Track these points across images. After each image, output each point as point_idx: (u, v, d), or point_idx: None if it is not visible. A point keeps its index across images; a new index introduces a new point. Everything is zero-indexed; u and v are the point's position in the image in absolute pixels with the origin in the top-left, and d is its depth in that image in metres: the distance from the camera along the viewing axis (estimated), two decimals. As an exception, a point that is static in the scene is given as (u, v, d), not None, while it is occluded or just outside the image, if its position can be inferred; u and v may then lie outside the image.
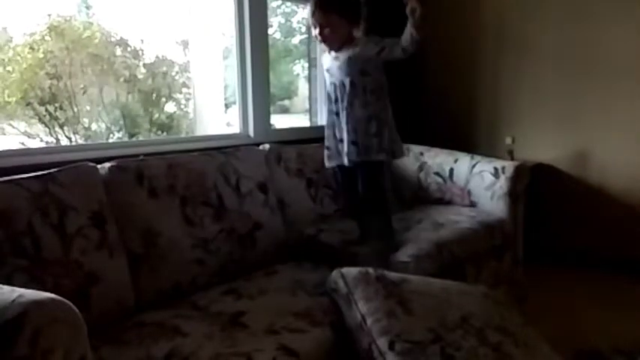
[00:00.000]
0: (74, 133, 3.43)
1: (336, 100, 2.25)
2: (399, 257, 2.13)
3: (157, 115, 3.87)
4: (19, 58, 3.24)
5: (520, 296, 2.64)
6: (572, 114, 3.34)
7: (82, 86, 3.40)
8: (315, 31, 2.20)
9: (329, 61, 2.28)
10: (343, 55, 2.21)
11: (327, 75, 2.31)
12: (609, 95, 3.21)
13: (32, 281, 1.51)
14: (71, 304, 1.08)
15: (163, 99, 3.88)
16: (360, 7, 2.24)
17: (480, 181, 2.69)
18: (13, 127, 3.33)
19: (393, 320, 1.61)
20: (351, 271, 1.77)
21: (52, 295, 1.07)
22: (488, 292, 1.95)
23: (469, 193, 2.73)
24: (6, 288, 1.11)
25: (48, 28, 3.34)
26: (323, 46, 2.28)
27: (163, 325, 1.64)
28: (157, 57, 3.80)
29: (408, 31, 2.08)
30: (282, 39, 4.13)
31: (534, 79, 3.44)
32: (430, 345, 1.57)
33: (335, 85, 2.25)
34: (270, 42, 3.15)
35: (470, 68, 3.68)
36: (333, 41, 2.21)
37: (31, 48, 3.27)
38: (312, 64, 3.53)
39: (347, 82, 2.20)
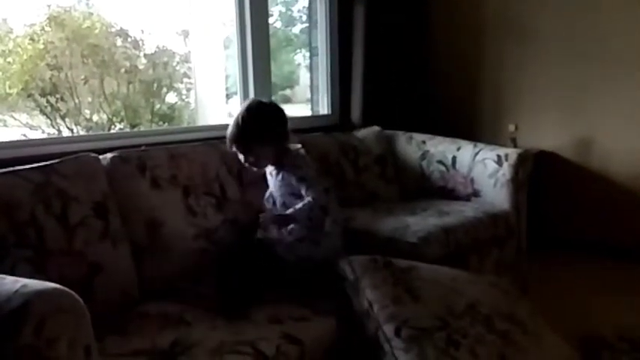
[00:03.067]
0: (76, 125, 3.42)
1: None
2: (408, 238, 2.16)
3: (158, 106, 3.85)
4: (19, 49, 3.22)
5: (523, 284, 2.64)
6: (575, 101, 3.32)
7: (82, 77, 3.39)
8: (240, 159, 2.04)
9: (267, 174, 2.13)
10: (275, 176, 2.06)
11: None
12: (612, 82, 3.19)
13: (36, 272, 1.51)
14: (75, 293, 1.08)
15: (164, 89, 3.86)
16: (284, 122, 2.06)
17: (482, 169, 2.68)
18: (15, 118, 3.32)
19: (399, 307, 1.61)
20: (358, 259, 1.77)
21: (56, 285, 1.07)
22: (496, 281, 1.95)
23: (472, 181, 2.72)
24: (9, 278, 1.11)
25: (48, 18, 3.32)
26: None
27: (168, 315, 1.65)
28: (158, 47, 3.78)
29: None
30: (283, 28, 4.11)
31: (537, 66, 3.42)
32: (437, 332, 1.57)
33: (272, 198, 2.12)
34: (271, 31, 3.13)
35: (473, 56, 3.66)
36: (259, 165, 2.06)
37: (32, 39, 3.25)
38: (314, 53, 3.51)
39: (279, 202, 2.05)
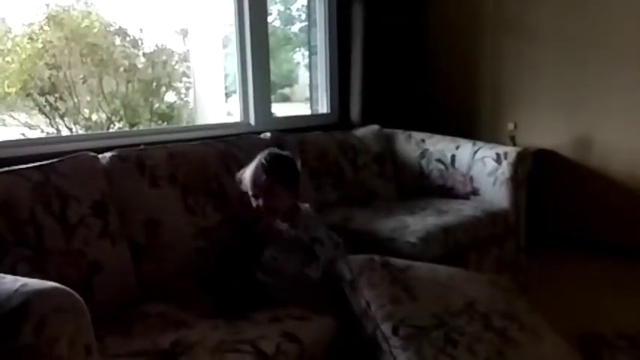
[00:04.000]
0: (75, 124, 3.42)
1: None
2: (408, 238, 2.16)
3: (157, 105, 3.85)
4: (18, 48, 3.23)
5: (522, 283, 2.64)
6: (575, 99, 3.32)
7: (81, 76, 3.39)
8: (257, 202, 1.95)
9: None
10: (287, 233, 1.95)
11: None
12: (612, 81, 3.19)
13: (35, 271, 1.51)
14: (75, 293, 1.08)
15: (163, 88, 3.87)
16: (299, 176, 2.02)
17: (482, 168, 2.68)
18: (14, 118, 3.32)
19: (397, 306, 1.62)
20: (356, 258, 1.77)
21: (56, 284, 1.07)
22: (494, 279, 1.95)
23: (471, 179, 2.72)
24: (9, 277, 1.11)
25: (46, 17, 3.32)
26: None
27: (167, 315, 1.65)
28: (157, 46, 3.78)
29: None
30: (282, 27, 4.11)
31: (536, 64, 3.42)
32: (434, 330, 1.57)
33: None
34: (270, 30, 3.13)
35: (472, 54, 3.66)
36: (275, 214, 1.96)
37: (30, 38, 3.25)
38: (313, 51, 3.51)
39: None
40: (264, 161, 1.95)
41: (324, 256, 1.85)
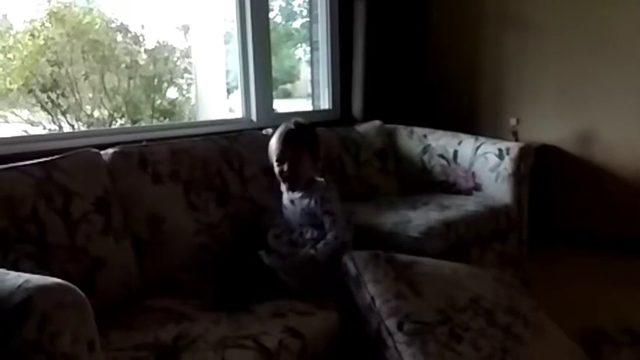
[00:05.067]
0: (77, 120, 3.42)
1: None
2: (410, 233, 2.16)
3: (159, 101, 3.85)
4: (19, 45, 3.22)
5: (524, 278, 2.64)
6: (578, 95, 3.31)
7: (83, 73, 3.39)
8: (282, 167, 1.95)
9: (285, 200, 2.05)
10: (299, 202, 1.98)
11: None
12: (614, 76, 3.18)
13: (38, 267, 1.51)
14: (78, 289, 1.08)
15: (165, 85, 3.87)
16: (320, 148, 2.05)
17: (484, 163, 2.68)
18: (16, 114, 3.32)
19: (402, 301, 1.61)
20: (361, 254, 1.77)
21: (59, 280, 1.07)
22: (498, 275, 1.95)
23: (473, 175, 2.72)
24: (12, 273, 1.11)
25: (48, 14, 3.32)
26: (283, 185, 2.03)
27: (170, 310, 1.65)
28: (158, 42, 3.78)
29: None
30: (284, 23, 4.10)
31: (539, 59, 3.41)
32: (439, 326, 1.57)
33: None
34: (272, 26, 3.12)
35: (474, 50, 3.65)
36: (298, 180, 1.97)
37: (32, 35, 3.25)
38: (314, 47, 3.50)
39: (296, 230, 1.98)
40: (294, 126, 1.98)
41: (333, 233, 1.86)
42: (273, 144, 1.98)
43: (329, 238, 1.86)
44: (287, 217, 2.03)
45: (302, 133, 1.99)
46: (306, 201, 1.95)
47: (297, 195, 1.99)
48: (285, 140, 1.96)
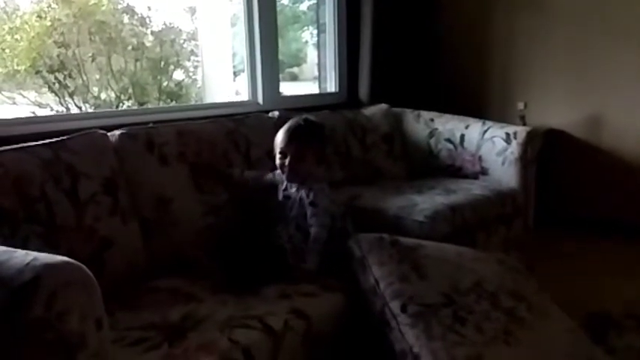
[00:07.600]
0: (84, 102, 3.42)
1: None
2: (415, 217, 2.16)
3: (165, 83, 3.85)
4: (26, 26, 3.22)
5: (530, 262, 2.64)
6: (586, 79, 3.29)
7: (90, 54, 3.39)
8: (284, 161, 1.94)
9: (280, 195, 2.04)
10: (295, 194, 1.97)
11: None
12: (623, 60, 3.15)
13: (47, 246, 1.52)
14: (85, 267, 1.09)
15: (172, 67, 3.86)
16: (326, 149, 2.06)
17: (491, 147, 2.67)
18: (24, 96, 3.33)
19: (406, 284, 1.62)
20: (365, 236, 1.78)
21: (66, 259, 1.08)
22: (502, 259, 1.95)
23: (480, 159, 2.71)
24: (20, 252, 1.12)
25: (55, -5, 3.31)
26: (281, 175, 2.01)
27: (177, 290, 1.66)
28: (165, 24, 3.76)
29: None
30: (291, 5, 4.07)
31: (548, 43, 3.38)
32: (442, 308, 1.58)
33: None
34: (279, 8, 3.10)
35: (482, 33, 3.62)
36: (297, 176, 1.96)
37: (39, 16, 3.24)
38: (321, 30, 3.49)
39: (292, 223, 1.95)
40: (302, 122, 1.98)
41: (314, 223, 1.85)
42: (280, 136, 1.97)
43: (312, 232, 1.85)
44: (279, 210, 2.01)
45: (310, 131, 1.97)
46: (298, 193, 1.95)
47: (292, 189, 1.98)
48: (292, 135, 1.94)
